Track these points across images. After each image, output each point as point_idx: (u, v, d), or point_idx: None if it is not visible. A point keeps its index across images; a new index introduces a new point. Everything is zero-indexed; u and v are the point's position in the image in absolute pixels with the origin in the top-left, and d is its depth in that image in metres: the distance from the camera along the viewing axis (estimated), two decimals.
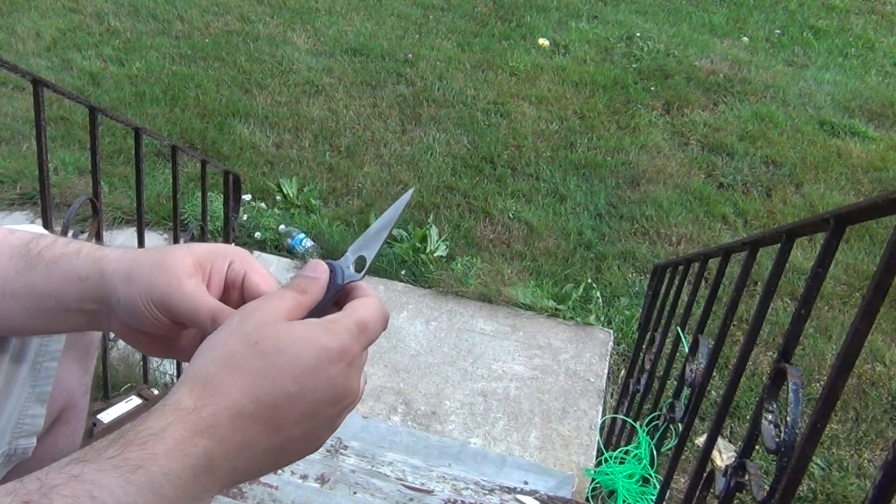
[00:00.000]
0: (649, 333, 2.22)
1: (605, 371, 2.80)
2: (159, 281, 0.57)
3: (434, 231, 3.33)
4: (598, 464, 2.34)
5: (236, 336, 0.50)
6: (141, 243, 1.84)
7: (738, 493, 1.12)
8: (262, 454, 0.49)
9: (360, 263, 0.61)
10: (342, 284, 0.58)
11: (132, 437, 0.45)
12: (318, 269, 0.58)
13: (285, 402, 0.48)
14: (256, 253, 3.15)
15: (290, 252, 3.21)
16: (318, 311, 0.55)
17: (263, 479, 1.53)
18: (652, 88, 4.74)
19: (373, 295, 0.57)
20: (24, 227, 0.66)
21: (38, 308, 0.60)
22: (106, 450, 0.44)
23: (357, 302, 0.56)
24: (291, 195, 3.56)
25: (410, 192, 0.69)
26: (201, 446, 0.46)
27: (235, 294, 0.61)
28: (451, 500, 1.70)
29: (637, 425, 2.13)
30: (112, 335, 1.83)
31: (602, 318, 3.03)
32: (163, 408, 0.47)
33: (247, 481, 0.50)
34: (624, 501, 2.05)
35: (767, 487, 0.97)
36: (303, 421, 0.49)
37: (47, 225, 1.44)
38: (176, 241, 2.01)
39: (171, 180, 2.05)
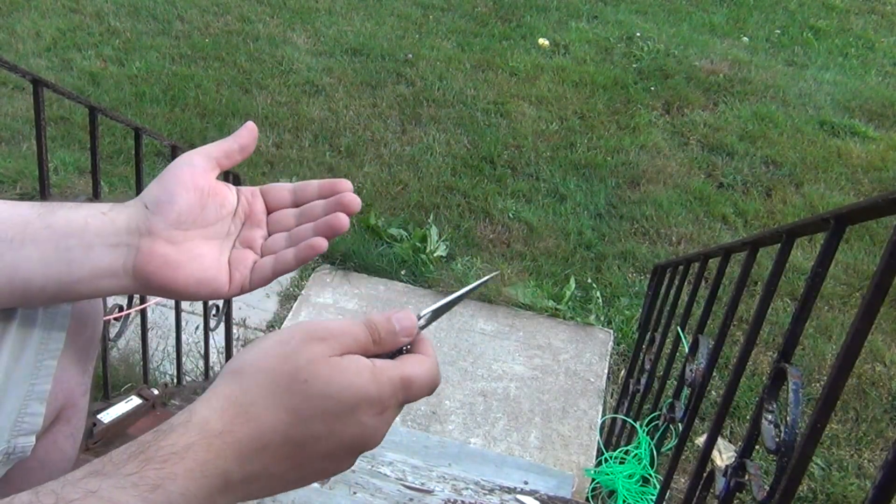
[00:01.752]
0: (649, 333, 2.22)
1: (605, 371, 2.80)
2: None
3: (434, 231, 3.34)
4: (598, 464, 2.34)
5: (289, 364, 0.49)
6: None
7: (738, 493, 1.12)
8: (278, 482, 0.50)
9: (428, 317, 0.59)
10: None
11: (153, 452, 0.44)
12: (406, 329, 0.54)
13: (312, 442, 0.49)
14: None
15: None
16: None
17: None
18: (652, 88, 4.74)
19: (433, 355, 0.55)
20: None
21: (56, 251, 0.59)
22: (125, 464, 0.44)
23: (413, 359, 0.54)
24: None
25: (496, 274, 0.69)
26: (221, 468, 0.46)
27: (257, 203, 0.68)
28: (451, 500, 1.70)
29: (637, 425, 2.13)
30: (112, 335, 1.83)
31: (602, 318, 3.03)
32: (187, 424, 0.46)
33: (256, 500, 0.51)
34: (624, 501, 2.05)
35: (767, 487, 0.97)
36: (324, 459, 0.50)
37: None
38: None
39: None
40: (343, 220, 0.64)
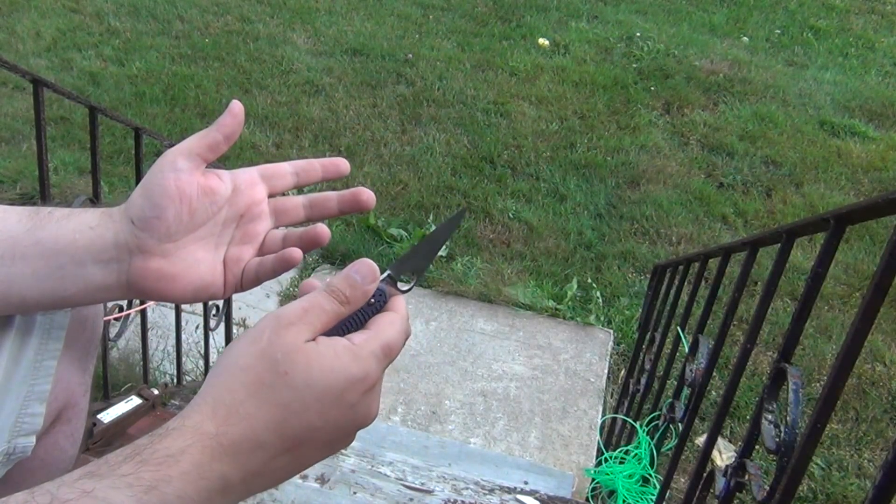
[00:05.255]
0: (649, 333, 2.22)
1: (605, 371, 2.80)
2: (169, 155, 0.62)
3: None
4: (598, 464, 2.34)
5: (266, 360, 0.48)
6: None
7: (738, 493, 1.12)
8: (278, 475, 0.50)
9: (408, 275, 0.57)
10: (386, 298, 0.55)
11: (148, 455, 0.44)
12: (368, 276, 0.53)
13: (307, 435, 0.49)
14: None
15: None
16: (352, 316, 0.53)
17: None
18: (652, 88, 4.74)
19: (403, 309, 0.55)
20: None
21: (48, 268, 0.58)
22: (120, 466, 0.44)
23: (385, 321, 0.53)
24: (291, 195, 3.56)
25: (463, 210, 0.69)
26: (218, 470, 0.45)
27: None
28: (451, 500, 1.70)
29: (637, 425, 2.13)
30: (112, 335, 1.83)
31: (602, 318, 3.03)
32: (182, 427, 0.46)
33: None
34: (624, 501, 2.05)
35: (767, 487, 0.97)
36: (322, 448, 0.50)
37: None
38: None
39: None
40: (325, 233, 0.65)
